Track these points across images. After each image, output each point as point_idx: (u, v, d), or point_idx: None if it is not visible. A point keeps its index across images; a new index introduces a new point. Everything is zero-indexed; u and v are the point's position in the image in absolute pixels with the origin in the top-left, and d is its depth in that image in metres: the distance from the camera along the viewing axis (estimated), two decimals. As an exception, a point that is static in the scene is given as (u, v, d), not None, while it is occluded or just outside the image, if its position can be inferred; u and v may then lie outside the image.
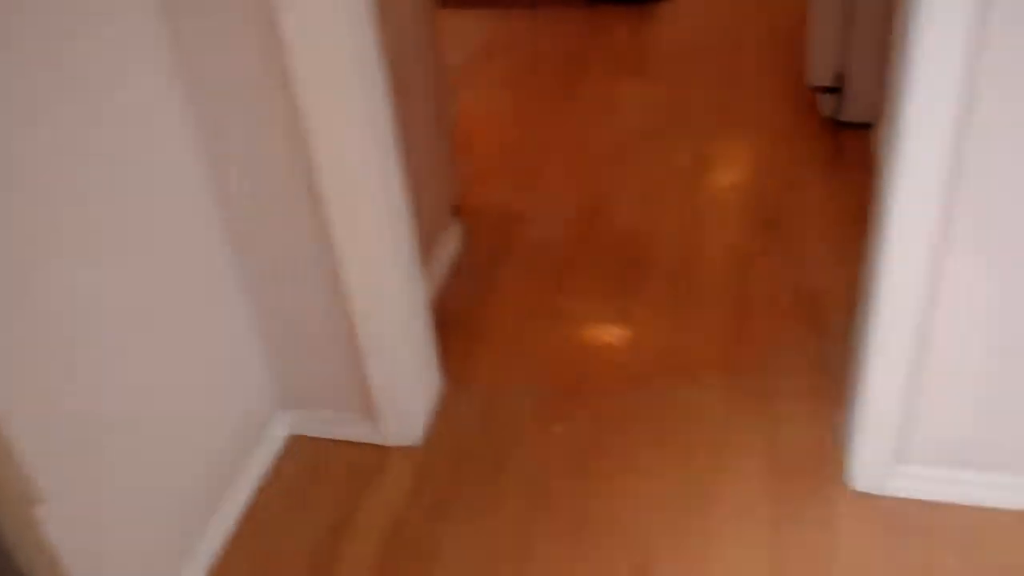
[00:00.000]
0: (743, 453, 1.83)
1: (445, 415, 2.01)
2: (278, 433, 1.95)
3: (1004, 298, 1.46)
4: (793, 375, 2.01)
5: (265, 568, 1.72)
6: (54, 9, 1.24)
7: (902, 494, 1.70)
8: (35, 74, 1.22)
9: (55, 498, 1.26)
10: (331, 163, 1.58)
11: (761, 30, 3.62)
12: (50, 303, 1.28)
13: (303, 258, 1.71)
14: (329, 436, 1.96)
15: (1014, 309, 1.47)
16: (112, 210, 1.41)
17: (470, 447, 1.92)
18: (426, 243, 2.28)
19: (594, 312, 2.30)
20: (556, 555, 1.68)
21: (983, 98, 1.29)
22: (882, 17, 2.65)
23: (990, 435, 1.61)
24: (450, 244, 2.47)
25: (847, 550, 1.63)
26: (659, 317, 2.24)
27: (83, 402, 1.36)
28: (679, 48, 3.57)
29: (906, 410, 1.61)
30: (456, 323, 2.25)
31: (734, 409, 1.94)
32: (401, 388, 1.88)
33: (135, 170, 1.45)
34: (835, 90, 2.86)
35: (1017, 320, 1.48)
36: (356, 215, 1.65)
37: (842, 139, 2.86)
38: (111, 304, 1.42)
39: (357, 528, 1.76)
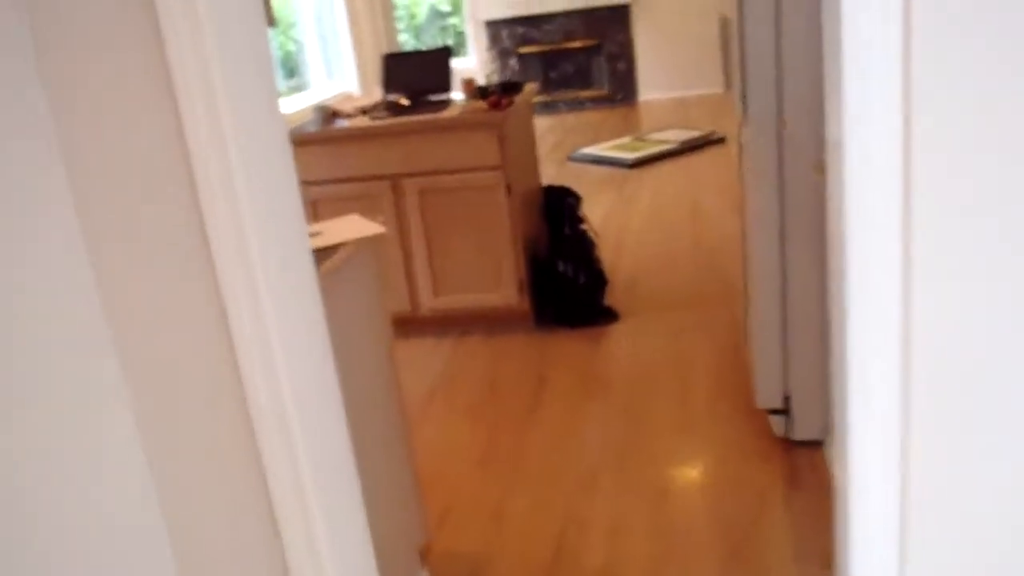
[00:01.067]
0: None
1: None
2: None
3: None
4: None
5: None
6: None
7: None
8: None
9: None
10: (290, 510, 1.59)
11: (708, 350, 3.80)
12: None
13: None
14: None
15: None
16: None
17: None
18: (393, 596, 2.23)
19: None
20: None
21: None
22: (819, 342, 2.83)
23: None
24: (418, 593, 2.42)
25: None
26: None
27: None
28: (631, 371, 3.71)
29: None
30: None
31: None
32: None
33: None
34: (784, 411, 2.98)
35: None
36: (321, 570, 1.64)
37: (795, 457, 2.93)
38: None
39: None
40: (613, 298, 4.47)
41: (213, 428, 1.55)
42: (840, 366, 1.46)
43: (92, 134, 1.39)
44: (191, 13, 1.32)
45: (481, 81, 10.25)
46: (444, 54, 4.46)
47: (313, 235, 2.09)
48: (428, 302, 4.21)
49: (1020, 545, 1.42)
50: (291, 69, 8.89)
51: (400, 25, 11.20)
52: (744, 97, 2.79)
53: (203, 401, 1.52)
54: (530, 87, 4.57)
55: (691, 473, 2.94)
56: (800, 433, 2.96)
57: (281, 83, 8.61)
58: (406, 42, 11.29)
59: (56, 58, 1.35)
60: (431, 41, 11.52)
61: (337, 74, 9.58)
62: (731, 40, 3.20)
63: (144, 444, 1.53)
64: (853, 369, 1.37)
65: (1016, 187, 1.25)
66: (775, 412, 3.02)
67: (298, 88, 8.89)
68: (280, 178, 1.52)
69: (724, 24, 3.01)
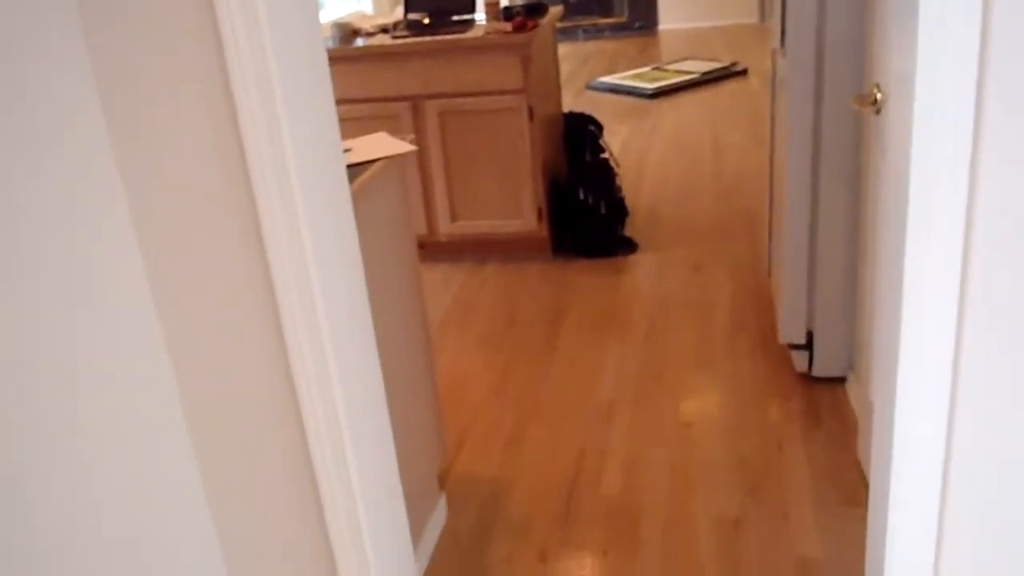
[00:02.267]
0: None
1: None
2: None
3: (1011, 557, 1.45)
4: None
5: None
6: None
7: None
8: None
9: None
10: (322, 430, 1.57)
11: (728, 284, 3.76)
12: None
13: (290, 541, 1.67)
14: None
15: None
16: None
17: None
18: (414, 519, 2.23)
19: (587, 585, 2.23)
20: None
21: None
22: (845, 278, 2.78)
23: None
24: (437, 519, 2.42)
25: None
26: (655, 589, 2.18)
27: None
28: (650, 303, 3.68)
29: None
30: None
31: None
32: None
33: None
34: (806, 347, 2.95)
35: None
36: (350, 493, 1.63)
37: (816, 394, 2.91)
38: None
39: None
40: (633, 229, 4.42)
41: (244, 345, 1.52)
42: (891, 297, 1.42)
43: (127, 50, 1.33)
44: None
45: (505, 2, 10.05)
46: (467, -27, 4.34)
47: (344, 151, 2.03)
48: (445, 227, 4.16)
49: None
50: (305, -14, 8.72)
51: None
52: (783, 27, 2.71)
53: (234, 319, 1.49)
54: (555, 10, 4.45)
55: (710, 407, 2.92)
56: (822, 369, 2.93)
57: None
58: (422, -38, 11.05)
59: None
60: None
61: (352, -8, 9.37)
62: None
63: (174, 359, 1.50)
64: (908, 299, 1.33)
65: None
66: (797, 347, 2.99)
67: (312, 6, 8.74)
68: (318, 90, 1.47)
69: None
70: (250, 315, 1.49)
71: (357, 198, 1.80)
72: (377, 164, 1.96)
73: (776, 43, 2.94)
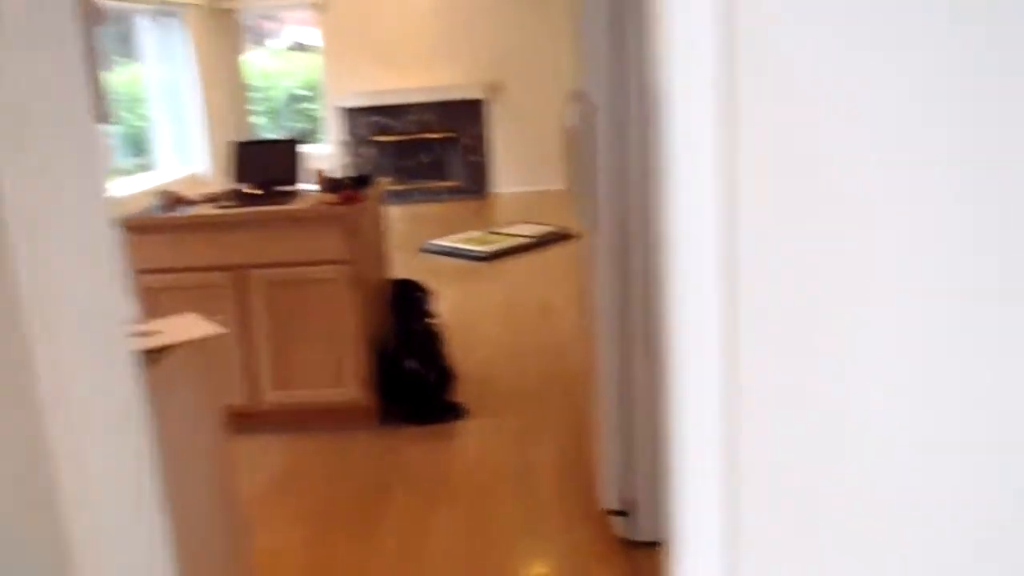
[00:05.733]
0: None
1: None
2: None
3: None
4: None
5: None
6: None
7: None
8: None
9: None
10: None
11: (554, 453, 3.83)
12: None
13: None
14: None
15: None
16: None
17: None
18: None
19: None
20: None
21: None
22: (657, 445, 2.89)
23: None
24: None
25: None
26: None
27: None
28: (478, 472, 3.69)
29: None
30: None
31: None
32: None
33: None
34: (626, 513, 3.01)
35: None
36: None
37: (636, 558, 2.96)
38: None
39: None
40: (464, 393, 4.46)
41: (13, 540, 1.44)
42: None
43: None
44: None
45: (334, 170, 10.23)
46: (291, 145, 4.45)
47: (153, 334, 2.01)
48: (268, 396, 4.09)
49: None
50: (138, 147, 8.65)
51: (258, 108, 11.12)
52: (592, 206, 2.88)
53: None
54: (382, 181, 4.59)
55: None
56: (641, 534, 2.99)
57: (126, 161, 8.36)
58: (263, 125, 11.20)
59: None
60: (288, 125, 11.46)
61: (188, 155, 9.37)
62: (575, 149, 3.31)
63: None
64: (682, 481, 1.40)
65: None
66: (617, 513, 3.05)
67: (145, 167, 8.63)
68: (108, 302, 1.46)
69: (568, 134, 3.12)
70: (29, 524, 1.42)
71: (158, 385, 1.77)
72: (181, 349, 1.94)
73: (590, 218, 3.11)
